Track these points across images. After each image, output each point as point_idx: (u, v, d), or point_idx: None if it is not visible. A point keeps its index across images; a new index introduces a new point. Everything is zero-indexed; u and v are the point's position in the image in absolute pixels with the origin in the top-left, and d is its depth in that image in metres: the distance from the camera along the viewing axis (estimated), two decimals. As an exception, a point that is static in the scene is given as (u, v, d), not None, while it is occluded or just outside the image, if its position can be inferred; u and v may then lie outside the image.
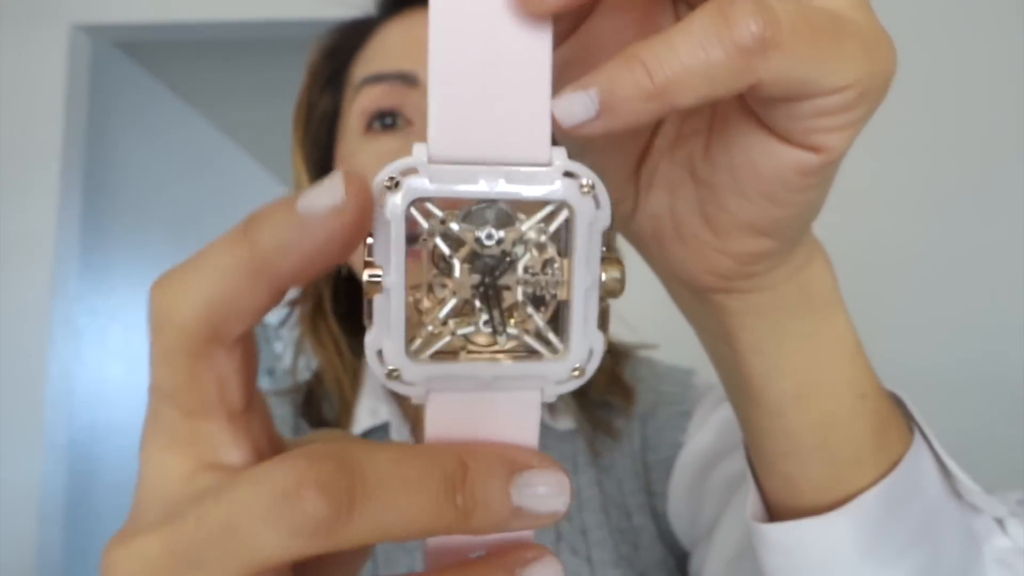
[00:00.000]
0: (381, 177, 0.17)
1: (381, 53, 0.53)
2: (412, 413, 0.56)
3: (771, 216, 0.23)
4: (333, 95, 0.56)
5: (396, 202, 0.17)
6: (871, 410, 0.28)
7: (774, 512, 0.31)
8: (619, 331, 0.58)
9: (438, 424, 0.18)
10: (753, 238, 0.23)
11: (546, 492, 0.17)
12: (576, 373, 0.19)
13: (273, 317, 0.62)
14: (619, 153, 0.25)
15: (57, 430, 1.71)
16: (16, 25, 1.69)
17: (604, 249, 0.18)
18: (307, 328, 0.57)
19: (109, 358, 2.01)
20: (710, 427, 0.51)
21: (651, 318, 0.66)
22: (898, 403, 0.31)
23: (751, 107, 0.21)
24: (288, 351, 0.60)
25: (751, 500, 0.31)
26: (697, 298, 0.27)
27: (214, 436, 0.17)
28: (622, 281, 0.18)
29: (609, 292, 0.18)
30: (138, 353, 2.17)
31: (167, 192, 2.28)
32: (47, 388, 1.66)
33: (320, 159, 0.57)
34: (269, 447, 0.19)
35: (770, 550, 0.30)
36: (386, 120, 0.51)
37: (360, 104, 0.51)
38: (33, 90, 1.69)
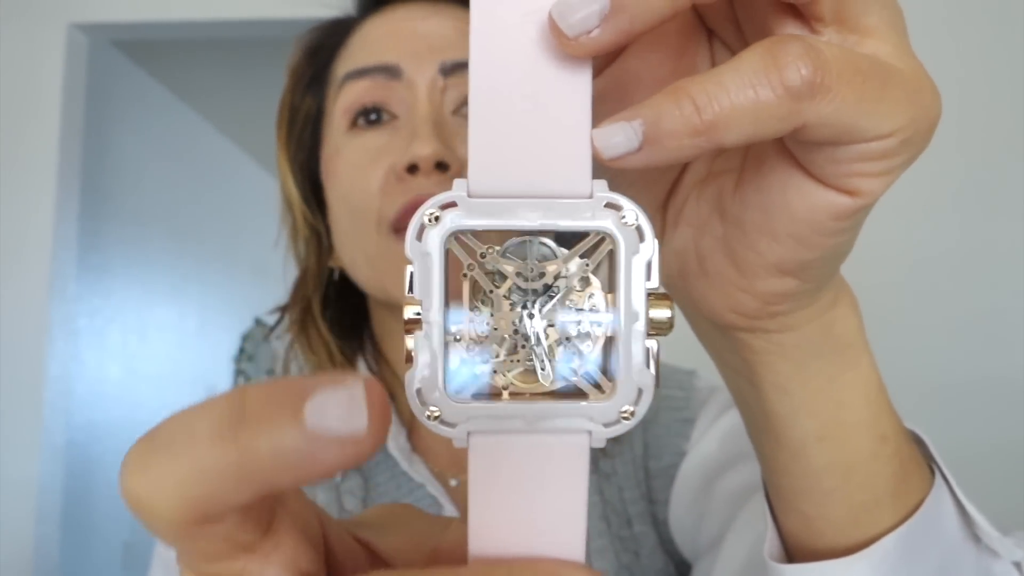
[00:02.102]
0: (423, 212, 0.17)
1: (362, 48, 0.52)
2: (407, 417, 0.55)
3: (799, 258, 0.22)
4: (316, 95, 0.55)
5: (435, 236, 0.17)
6: (892, 452, 0.28)
7: (791, 551, 0.31)
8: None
9: (480, 471, 0.18)
10: (779, 279, 0.23)
11: None
12: (625, 415, 0.18)
13: (267, 319, 0.62)
14: (648, 188, 0.25)
15: (55, 430, 1.70)
16: (13, 23, 1.68)
17: (650, 284, 0.18)
18: (297, 334, 0.56)
19: (107, 358, 2.00)
20: (714, 435, 0.50)
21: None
22: (918, 442, 0.31)
23: (789, 148, 0.21)
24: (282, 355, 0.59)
25: (769, 538, 0.31)
26: (721, 335, 0.27)
27: (237, 572, 0.16)
28: (671, 318, 0.18)
29: (657, 329, 0.18)
30: (136, 353, 2.17)
31: (165, 191, 2.28)
32: (45, 388, 1.66)
33: (304, 160, 0.56)
34: (307, 551, 0.17)
35: None
36: (371, 116, 0.50)
37: (344, 101, 0.50)
38: (30, 89, 1.68)
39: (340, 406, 0.14)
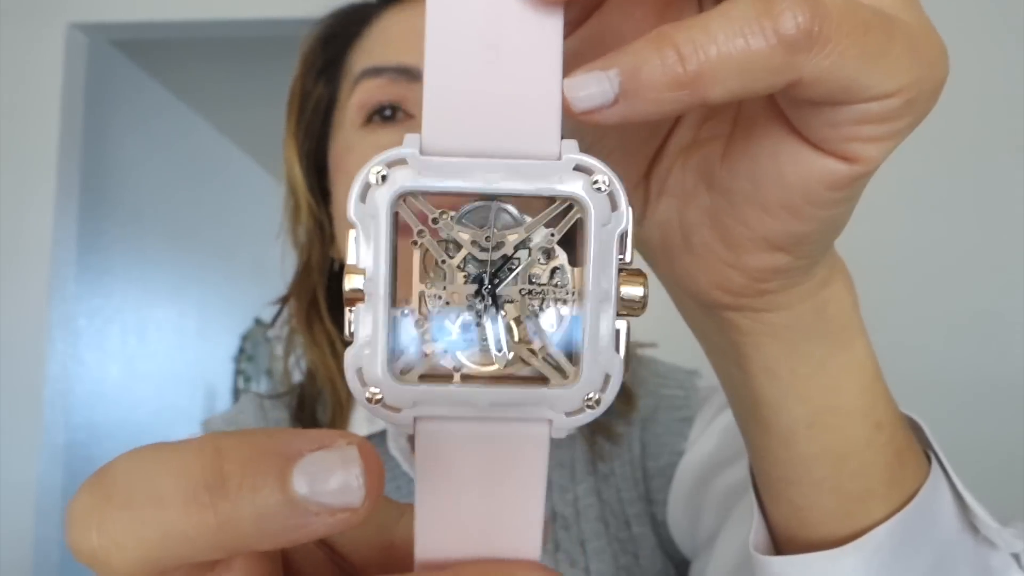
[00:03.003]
0: (367, 169, 0.15)
1: (381, 45, 0.51)
2: None
3: (791, 231, 0.21)
4: (328, 84, 0.54)
5: (382, 198, 0.15)
6: (887, 441, 0.27)
7: (779, 542, 0.30)
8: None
9: (427, 461, 0.16)
10: (769, 253, 0.22)
11: None
12: (590, 403, 0.16)
13: (264, 314, 0.61)
14: (629, 156, 0.24)
15: (55, 430, 1.70)
16: (12, 23, 1.68)
17: (623, 258, 0.16)
18: (301, 325, 0.55)
19: (107, 359, 2.00)
20: (712, 434, 0.49)
21: (648, 313, 0.65)
22: (914, 428, 0.30)
23: (782, 109, 0.20)
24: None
25: (755, 528, 0.30)
26: (706, 314, 0.25)
27: None
28: (644, 297, 0.16)
29: (628, 308, 0.16)
30: (136, 353, 2.17)
31: (164, 192, 2.27)
32: (45, 389, 1.66)
33: (313, 149, 0.55)
34: (261, 563, 0.16)
35: None
36: (386, 113, 0.49)
37: (359, 97, 0.49)
38: (30, 89, 1.68)
39: (332, 473, 0.13)
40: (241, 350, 2.87)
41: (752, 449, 0.28)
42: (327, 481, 0.13)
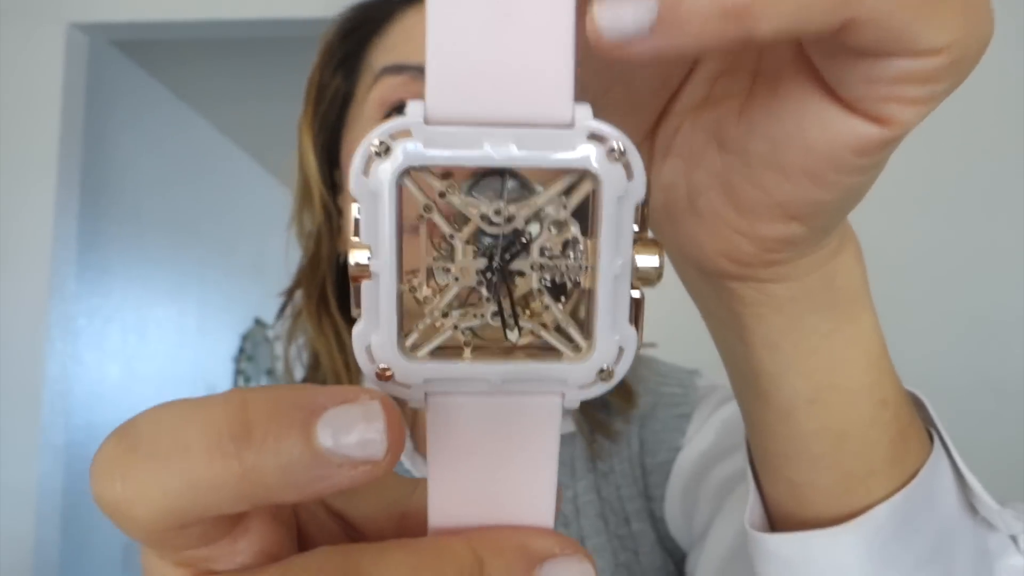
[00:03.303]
0: (369, 140, 0.15)
1: (403, 42, 0.50)
2: (412, 414, 0.55)
3: (810, 199, 0.20)
4: (346, 76, 0.54)
5: (386, 171, 0.14)
6: (890, 418, 0.26)
7: (775, 521, 0.29)
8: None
9: (440, 437, 0.16)
10: (783, 222, 0.21)
11: None
12: (604, 375, 0.16)
13: (265, 313, 0.61)
14: (634, 112, 0.22)
15: (55, 430, 1.70)
16: (13, 23, 1.68)
17: (637, 228, 0.15)
18: (310, 316, 0.55)
19: (107, 359, 2.00)
20: (709, 429, 0.49)
21: (649, 314, 0.65)
22: (916, 405, 0.29)
23: (813, 64, 0.18)
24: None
25: (750, 505, 0.29)
26: (708, 282, 0.24)
27: (204, 558, 0.15)
28: (660, 268, 0.15)
29: (644, 280, 0.16)
30: (136, 353, 2.16)
31: (165, 192, 2.27)
32: (45, 389, 1.66)
33: (327, 140, 0.55)
34: (276, 531, 0.16)
35: (768, 561, 0.28)
36: (404, 111, 0.48)
37: (379, 93, 0.49)
38: (30, 89, 1.68)
39: (355, 425, 0.13)
40: (241, 350, 2.87)
41: (750, 424, 0.28)
42: (350, 433, 0.13)
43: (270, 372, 2.89)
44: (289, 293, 0.57)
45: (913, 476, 0.26)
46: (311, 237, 0.55)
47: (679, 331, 0.64)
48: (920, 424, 0.28)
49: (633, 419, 0.54)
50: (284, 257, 0.58)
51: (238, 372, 2.85)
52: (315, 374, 0.57)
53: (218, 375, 2.72)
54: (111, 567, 2.01)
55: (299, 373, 0.58)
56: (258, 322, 2.88)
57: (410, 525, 0.18)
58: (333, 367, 0.54)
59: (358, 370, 0.56)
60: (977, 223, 1.44)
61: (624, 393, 0.54)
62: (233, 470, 0.13)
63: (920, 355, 1.36)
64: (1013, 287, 1.42)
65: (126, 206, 2.05)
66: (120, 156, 2.01)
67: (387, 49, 0.51)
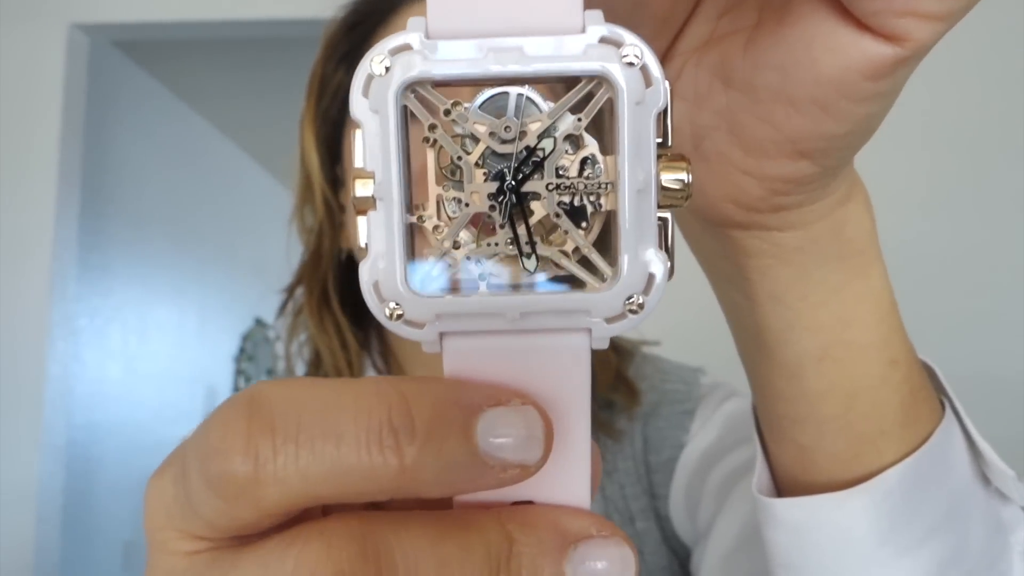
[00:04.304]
0: (369, 58, 0.14)
1: None
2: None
3: (821, 131, 0.19)
4: (348, 71, 0.54)
5: (387, 90, 0.13)
6: (902, 378, 0.25)
7: (783, 487, 0.28)
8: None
9: None
10: (792, 160, 0.20)
11: (606, 569, 0.14)
12: (633, 307, 0.14)
13: (265, 313, 0.61)
14: None
15: (55, 430, 1.70)
16: (14, 23, 1.68)
17: (660, 141, 0.14)
18: (311, 312, 0.55)
19: (107, 358, 2.00)
20: (713, 425, 0.49)
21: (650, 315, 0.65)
22: (928, 373, 0.28)
23: None
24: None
25: (758, 471, 0.28)
26: (711, 234, 0.23)
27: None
28: (688, 185, 0.14)
29: (671, 198, 0.14)
30: (136, 353, 2.17)
31: (165, 192, 2.28)
32: (46, 388, 1.66)
33: (329, 135, 0.55)
34: None
35: (777, 528, 0.27)
36: None
37: None
38: (31, 89, 1.68)
39: (515, 429, 0.13)
40: (242, 350, 2.87)
41: (756, 386, 0.27)
42: (510, 437, 0.13)
43: (271, 372, 2.89)
44: (290, 290, 0.56)
45: (924, 441, 0.25)
46: (312, 233, 0.55)
47: (683, 329, 0.64)
48: (931, 389, 0.27)
49: (637, 417, 0.53)
50: (285, 254, 0.58)
51: (239, 372, 2.85)
52: (316, 372, 0.57)
53: (218, 375, 2.72)
54: (111, 567, 2.01)
55: (300, 371, 0.58)
56: (259, 322, 2.88)
57: None
58: (335, 364, 0.54)
59: (360, 368, 0.56)
60: (977, 223, 1.44)
61: (629, 391, 0.53)
62: (392, 463, 0.13)
63: (921, 352, 1.36)
64: (1013, 287, 1.42)
65: (127, 207, 2.05)
66: (121, 157, 2.01)
67: None
